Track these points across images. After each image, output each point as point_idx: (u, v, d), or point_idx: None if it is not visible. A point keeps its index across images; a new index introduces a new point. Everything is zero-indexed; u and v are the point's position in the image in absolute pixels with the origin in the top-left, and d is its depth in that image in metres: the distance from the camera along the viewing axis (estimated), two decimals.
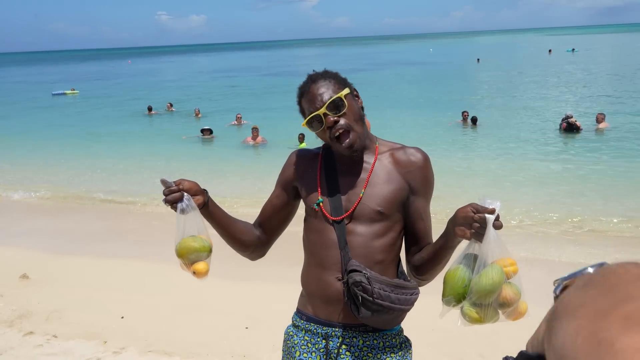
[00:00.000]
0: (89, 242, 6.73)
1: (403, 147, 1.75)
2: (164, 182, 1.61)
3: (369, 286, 1.55)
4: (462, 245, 1.53)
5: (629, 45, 52.90)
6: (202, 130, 13.97)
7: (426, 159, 1.72)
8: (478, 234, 1.43)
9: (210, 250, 1.63)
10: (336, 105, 1.63)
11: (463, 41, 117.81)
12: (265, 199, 1.87)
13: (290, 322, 1.82)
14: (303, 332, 1.74)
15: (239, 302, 4.81)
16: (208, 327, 4.31)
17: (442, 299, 1.49)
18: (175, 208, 1.59)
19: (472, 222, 1.44)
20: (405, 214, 1.72)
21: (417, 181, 1.70)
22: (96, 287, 5.20)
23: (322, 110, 1.62)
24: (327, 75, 1.71)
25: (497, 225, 1.41)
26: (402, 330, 1.75)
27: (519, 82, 25.62)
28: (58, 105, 24.96)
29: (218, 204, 1.76)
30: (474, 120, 13.36)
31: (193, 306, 4.71)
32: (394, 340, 1.70)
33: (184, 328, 4.31)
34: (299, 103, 1.73)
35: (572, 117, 12.58)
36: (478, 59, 43.01)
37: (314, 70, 1.75)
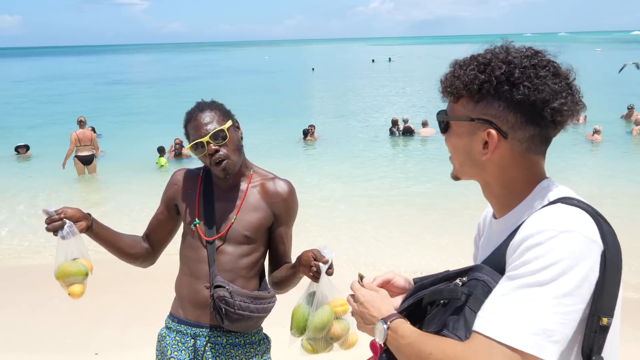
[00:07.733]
0: None
1: (274, 179, 2.03)
2: (45, 212, 1.82)
3: (231, 299, 1.85)
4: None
5: (437, 55, 59.34)
6: (17, 148, 12.58)
7: (291, 192, 2.02)
8: (315, 277, 1.77)
9: (86, 274, 1.86)
10: (218, 136, 1.88)
11: (297, 49, 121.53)
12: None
13: (164, 325, 2.09)
14: (174, 333, 2.02)
15: (85, 330, 4.69)
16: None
17: (290, 331, 1.82)
18: (57, 235, 1.81)
19: (311, 266, 1.77)
20: (270, 237, 2.04)
21: (281, 211, 2.00)
22: None
23: (206, 138, 1.87)
24: (213, 105, 1.96)
25: (329, 273, 1.75)
26: (261, 329, 2.10)
27: (350, 90, 27.42)
28: None
29: (105, 225, 1.99)
30: (306, 133, 13.44)
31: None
32: (253, 337, 2.02)
33: None
34: (185, 127, 1.96)
35: (407, 121, 13.86)
36: (313, 68, 44.48)
37: (202, 99, 2.01)
